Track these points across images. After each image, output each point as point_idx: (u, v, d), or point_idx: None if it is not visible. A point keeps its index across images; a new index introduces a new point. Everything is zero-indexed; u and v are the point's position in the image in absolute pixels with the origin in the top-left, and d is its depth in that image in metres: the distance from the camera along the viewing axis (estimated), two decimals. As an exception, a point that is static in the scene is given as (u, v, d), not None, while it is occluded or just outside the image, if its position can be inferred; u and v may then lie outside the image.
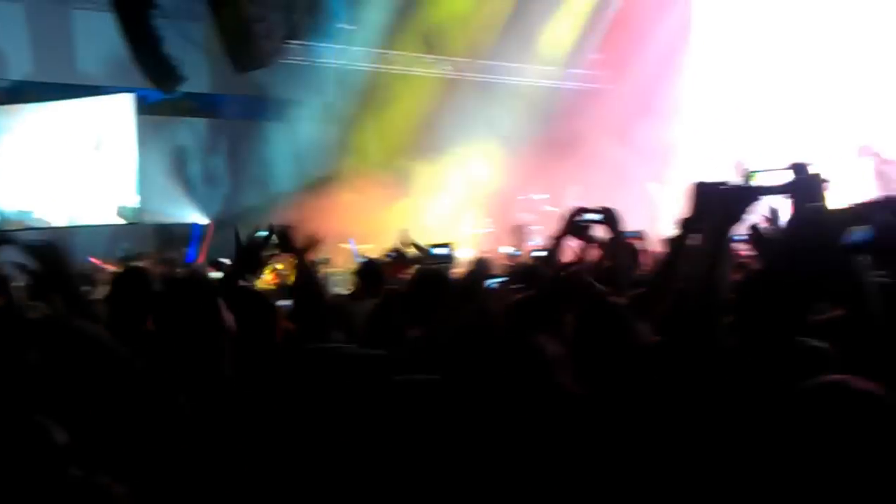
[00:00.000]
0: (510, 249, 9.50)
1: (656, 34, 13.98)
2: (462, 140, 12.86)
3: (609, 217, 4.00)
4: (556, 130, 13.28)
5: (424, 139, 12.91)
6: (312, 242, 3.81)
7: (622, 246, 4.12)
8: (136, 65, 11.39)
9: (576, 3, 13.91)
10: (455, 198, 12.94)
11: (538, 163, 12.84)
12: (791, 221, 2.62)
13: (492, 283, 4.28)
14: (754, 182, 2.66)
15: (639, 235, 5.65)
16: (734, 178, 3.21)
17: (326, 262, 8.91)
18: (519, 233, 10.60)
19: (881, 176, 11.28)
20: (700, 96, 14.56)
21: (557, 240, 4.15)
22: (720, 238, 2.42)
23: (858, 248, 2.39)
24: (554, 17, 13.87)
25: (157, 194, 12.36)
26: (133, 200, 12.03)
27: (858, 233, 2.39)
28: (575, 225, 4.10)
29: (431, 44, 13.46)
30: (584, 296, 3.11)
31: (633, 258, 4.80)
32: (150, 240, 12.50)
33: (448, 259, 4.37)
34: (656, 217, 11.08)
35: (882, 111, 12.37)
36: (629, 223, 4.21)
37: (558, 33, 13.97)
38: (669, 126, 13.56)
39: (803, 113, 13.01)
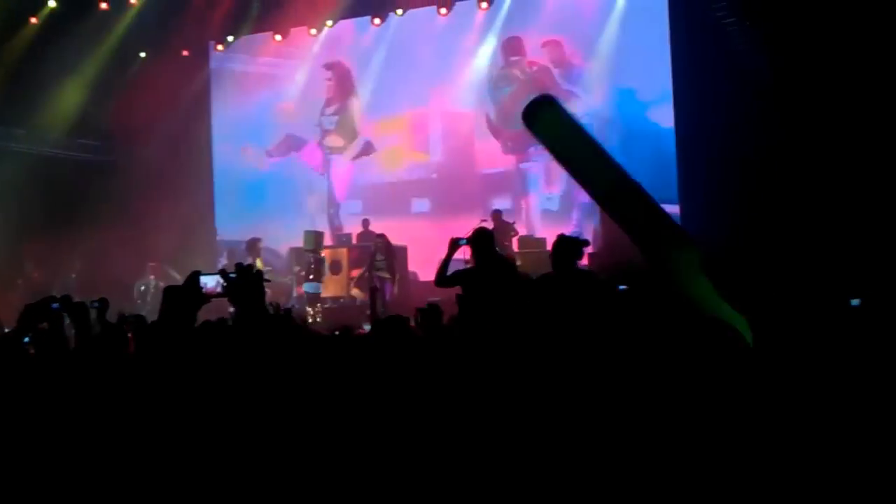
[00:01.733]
0: None
1: (173, 107, 13.77)
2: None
3: (71, 308, 3.74)
4: (64, 203, 12.45)
5: None
6: None
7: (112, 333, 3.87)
8: None
9: (86, 71, 13.23)
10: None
11: (44, 237, 11.91)
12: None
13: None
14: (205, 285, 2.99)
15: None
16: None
17: None
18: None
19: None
20: (223, 170, 14.59)
21: (19, 327, 3.75)
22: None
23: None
24: (61, 84, 13.03)
25: None
26: None
27: None
28: (38, 314, 3.76)
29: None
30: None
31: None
32: None
33: None
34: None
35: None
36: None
37: (66, 100, 13.15)
38: (187, 203, 13.40)
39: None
